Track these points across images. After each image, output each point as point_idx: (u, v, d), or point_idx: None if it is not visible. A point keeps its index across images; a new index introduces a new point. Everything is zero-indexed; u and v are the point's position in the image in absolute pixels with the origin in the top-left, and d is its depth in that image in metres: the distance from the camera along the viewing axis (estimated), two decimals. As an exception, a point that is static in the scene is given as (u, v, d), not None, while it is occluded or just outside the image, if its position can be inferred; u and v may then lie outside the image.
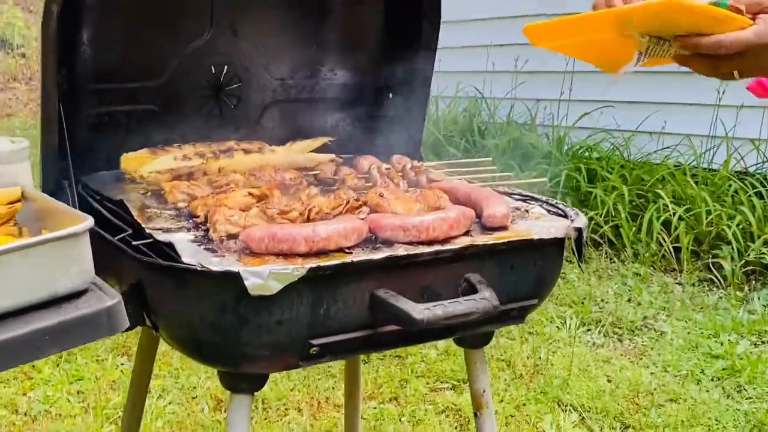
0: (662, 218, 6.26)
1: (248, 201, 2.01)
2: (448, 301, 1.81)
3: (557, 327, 5.24)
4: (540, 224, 2.08)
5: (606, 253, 6.46)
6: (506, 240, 1.93)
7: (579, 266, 2.74)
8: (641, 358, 4.93)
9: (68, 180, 2.22)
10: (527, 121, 7.90)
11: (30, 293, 1.63)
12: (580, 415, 4.24)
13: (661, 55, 1.57)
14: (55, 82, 2.18)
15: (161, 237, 1.88)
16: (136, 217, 2.01)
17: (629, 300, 5.68)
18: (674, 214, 6.22)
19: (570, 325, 5.25)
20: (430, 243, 1.93)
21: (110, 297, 1.66)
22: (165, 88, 2.54)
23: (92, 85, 2.42)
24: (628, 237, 6.40)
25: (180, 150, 2.34)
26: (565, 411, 4.27)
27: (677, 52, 1.55)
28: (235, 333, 1.75)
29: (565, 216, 2.14)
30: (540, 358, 4.83)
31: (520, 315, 2.05)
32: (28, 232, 1.97)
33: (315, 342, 1.78)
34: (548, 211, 2.19)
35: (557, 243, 2.01)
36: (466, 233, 2.00)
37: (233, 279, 1.67)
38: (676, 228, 6.22)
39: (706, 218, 6.12)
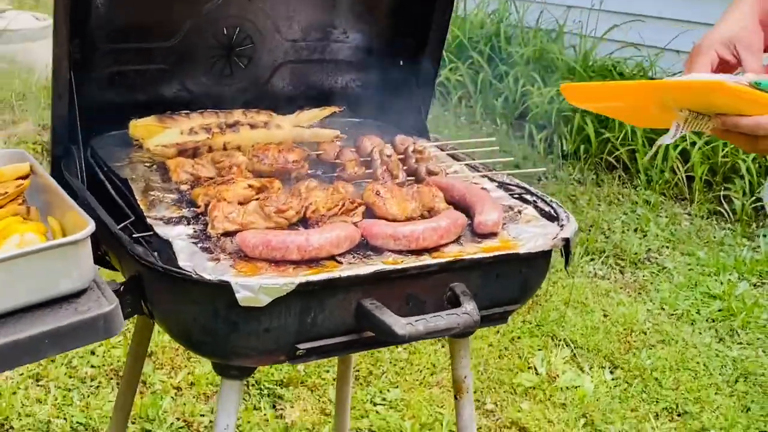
0: (679, 147, 6.25)
1: (248, 194, 2.08)
2: (430, 315, 1.89)
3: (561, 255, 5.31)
4: (530, 230, 2.14)
5: (619, 177, 6.49)
6: (492, 255, 1.99)
7: (565, 270, 2.80)
8: (640, 294, 5.04)
9: (77, 146, 2.29)
10: (555, 28, 7.79)
11: (34, 294, 1.73)
12: (572, 351, 4.38)
13: (700, 128, 1.55)
14: (66, 47, 2.21)
15: (161, 230, 1.96)
16: (139, 202, 2.08)
17: (636, 230, 5.74)
18: (693, 144, 6.21)
19: (574, 254, 5.33)
20: (419, 251, 1.99)
21: (108, 302, 1.76)
22: (178, 48, 2.56)
23: (105, 44, 2.45)
24: (642, 162, 6.41)
25: (188, 120, 2.39)
26: (558, 346, 4.42)
27: (716, 127, 1.54)
28: (225, 336, 1.85)
29: (557, 219, 2.20)
30: (540, 288, 4.93)
31: (503, 317, 2.13)
32: (36, 211, 2.06)
33: (301, 347, 1.88)
34: (541, 212, 2.24)
35: (543, 255, 2.07)
36: (457, 240, 2.06)
37: (225, 289, 1.76)
38: (691, 157, 6.22)
39: (722, 150, 6.10)
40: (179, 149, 2.33)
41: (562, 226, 2.17)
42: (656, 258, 5.47)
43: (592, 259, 5.39)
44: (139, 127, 2.39)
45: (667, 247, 5.60)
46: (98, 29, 2.41)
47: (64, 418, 3.46)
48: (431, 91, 2.74)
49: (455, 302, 1.97)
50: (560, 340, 4.48)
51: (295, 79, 2.76)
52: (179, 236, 1.96)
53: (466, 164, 2.48)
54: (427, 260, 1.95)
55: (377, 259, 1.96)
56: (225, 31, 2.61)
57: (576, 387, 4.08)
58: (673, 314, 4.86)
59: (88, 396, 3.61)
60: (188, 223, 2.03)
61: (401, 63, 2.76)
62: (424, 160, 2.38)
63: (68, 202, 1.90)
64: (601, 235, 5.67)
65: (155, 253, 1.89)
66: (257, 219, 2.01)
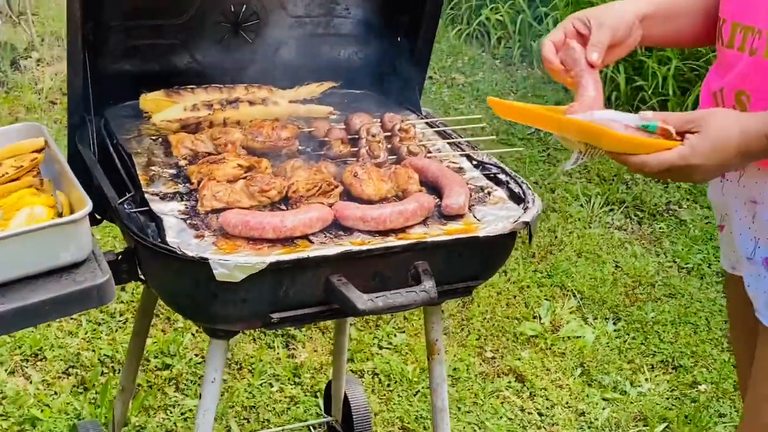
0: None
1: (236, 173, 2.30)
2: (391, 292, 2.10)
3: (581, 206, 5.47)
4: (495, 212, 2.33)
5: (648, 126, 6.55)
6: (451, 238, 2.19)
7: (528, 246, 2.98)
8: (654, 246, 5.18)
9: (89, 117, 2.52)
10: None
11: (37, 265, 1.99)
12: (578, 302, 4.57)
13: (600, 156, 1.76)
14: (80, 29, 2.43)
15: (156, 206, 2.20)
16: (140, 176, 2.32)
17: (658, 181, 5.84)
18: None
19: (594, 204, 5.47)
20: (386, 233, 2.21)
21: (102, 273, 2.01)
22: (188, 24, 2.76)
23: (119, 22, 2.67)
24: (673, 110, 6.46)
25: (193, 95, 2.60)
26: (566, 296, 4.61)
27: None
28: (206, 304, 2.09)
29: (524, 201, 2.38)
30: (555, 237, 5.11)
31: (466, 291, 2.34)
32: (49, 183, 2.31)
33: (275, 316, 2.11)
34: (510, 194, 2.43)
35: (503, 237, 2.26)
36: (424, 221, 2.26)
37: (205, 266, 1.99)
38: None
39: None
40: (182, 124, 2.55)
41: (526, 208, 2.36)
42: (675, 210, 5.59)
43: (611, 210, 5.52)
44: (149, 100, 2.62)
45: (688, 200, 5.70)
46: (111, 9, 2.63)
47: (93, 350, 3.78)
48: (425, 68, 2.91)
49: (417, 280, 2.18)
50: (568, 291, 4.67)
51: (299, 52, 2.95)
52: (171, 212, 2.20)
53: (450, 142, 2.66)
54: (390, 242, 2.16)
55: (346, 240, 2.17)
56: (232, 8, 2.80)
57: (577, 337, 4.29)
58: (683, 268, 5.01)
59: (116, 330, 3.93)
60: (181, 199, 2.27)
61: (399, 39, 2.93)
62: (408, 140, 2.57)
63: (72, 180, 2.14)
64: (623, 186, 5.79)
65: (149, 229, 2.14)
66: (243, 198, 2.24)
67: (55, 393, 3.52)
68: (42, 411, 3.35)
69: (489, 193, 2.44)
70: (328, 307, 2.18)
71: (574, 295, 4.63)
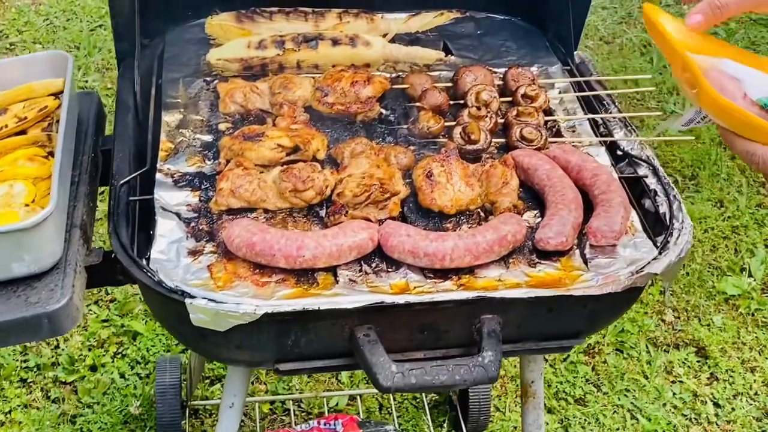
0: None
1: (274, 156, 1.76)
2: (433, 364, 1.55)
3: None
4: (615, 250, 1.66)
5: None
6: (531, 296, 1.56)
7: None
8: None
9: (136, 49, 2.05)
10: None
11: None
12: (807, 254, 3.69)
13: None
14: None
15: (162, 194, 1.73)
16: (163, 143, 1.84)
17: None
18: None
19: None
20: (446, 271, 1.61)
21: (62, 294, 1.58)
22: None
23: None
24: None
25: (270, 21, 2.06)
26: (792, 245, 3.74)
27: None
28: (194, 341, 1.64)
29: (666, 231, 1.69)
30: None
31: (561, 349, 1.73)
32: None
33: (282, 367, 1.62)
34: (648, 216, 1.73)
35: (614, 296, 1.60)
36: (505, 257, 1.64)
37: (182, 303, 1.52)
38: None
39: None
40: (244, 65, 2.01)
41: (664, 245, 1.66)
42: None
43: None
44: (215, 25, 2.10)
45: None
46: None
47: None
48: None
49: (480, 341, 1.59)
50: (799, 237, 3.79)
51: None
52: (178, 206, 1.72)
53: (591, 118, 1.95)
54: (441, 294, 1.57)
55: (386, 280, 1.61)
56: None
57: (795, 303, 3.47)
58: None
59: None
60: (199, 186, 1.77)
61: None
62: (529, 114, 1.89)
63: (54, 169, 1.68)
64: None
65: (137, 230, 1.67)
66: (270, 196, 1.71)
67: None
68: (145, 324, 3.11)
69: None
70: (355, 360, 1.64)
71: (806, 244, 3.74)
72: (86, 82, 4.30)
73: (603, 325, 1.77)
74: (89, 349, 3.06)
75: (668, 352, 3.25)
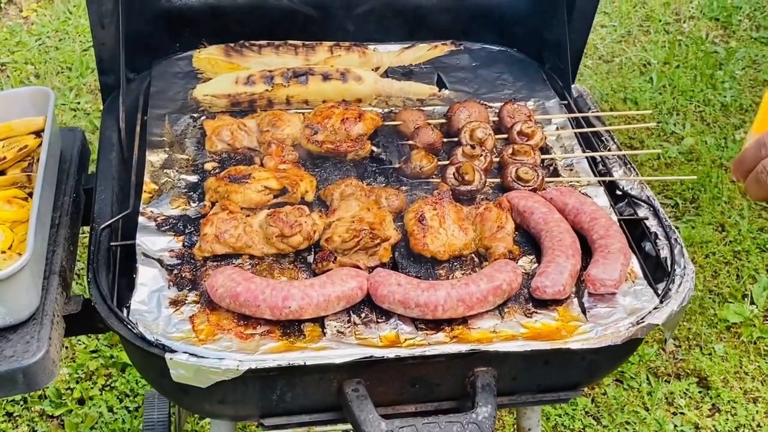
0: None
1: (261, 199, 1.70)
2: (425, 421, 1.48)
3: None
4: (615, 299, 1.60)
5: None
6: (527, 350, 1.50)
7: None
8: None
9: (130, 75, 1.99)
10: None
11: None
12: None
13: None
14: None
15: (144, 239, 1.66)
16: (146, 185, 1.78)
17: None
18: None
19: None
20: (438, 322, 1.55)
21: (38, 347, 1.51)
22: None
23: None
24: None
25: (257, 56, 1.99)
26: (795, 270, 3.68)
27: None
28: (176, 396, 1.57)
29: (667, 278, 1.63)
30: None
31: (560, 400, 1.66)
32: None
33: (267, 422, 1.56)
34: (648, 262, 1.67)
35: (613, 348, 1.54)
36: (500, 306, 1.58)
37: (162, 358, 1.46)
38: None
39: None
40: (232, 101, 1.95)
41: (666, 293, 1.60)
42: None
43: None
44: (202, 59, 2.03)
45: None
46: None
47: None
48: (590, 22, 2.08)
49: (474, 395, 1.53)
50: (801, 262, 3.72)
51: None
52: (160, 252, 1.65)
53: (589, 156, 1.89)
54: (432, 347, 1.51)
55: (375, 331, 1.54)
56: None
57: (800, 331, 3.41)
58: None
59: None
60: (183, 230, 1.70)
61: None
62: (525, 153, 1.83)
63: (35, 201, 1.62)
64: None
65: (116, 277, 1.61)
66: (256, 241, 1.64)
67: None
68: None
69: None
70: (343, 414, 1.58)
71: (809, 271, 3.67)
72: (78, 103, 4.24)
73: (602, 376, 1.70)
74: (77, 382, 2.99)
75: (669, 382, 3.19)
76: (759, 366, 3.26)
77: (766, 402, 3.14)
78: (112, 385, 2.99)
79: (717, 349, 3.32)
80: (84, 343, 3.11)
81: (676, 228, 3.57)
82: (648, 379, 3.19)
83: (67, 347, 3.10)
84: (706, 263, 3.66)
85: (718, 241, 3.75)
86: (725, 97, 4.56)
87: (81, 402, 2.94)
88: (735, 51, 4.93)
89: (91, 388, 2.97)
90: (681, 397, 3.14)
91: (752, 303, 3.51)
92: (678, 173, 4.05)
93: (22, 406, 2.89)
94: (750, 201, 3.96)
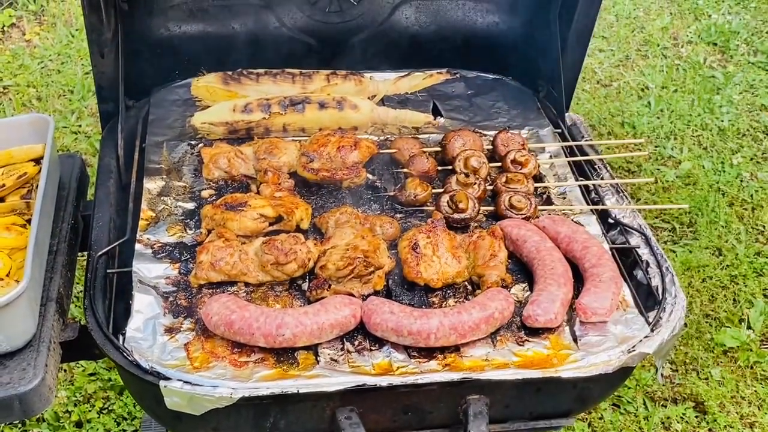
0: None
1: (257, 227, 1.71)
2: (416, 447, 1.49)
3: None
4: (605, 327, 1.61)
5: None
6: (518, 378, 1.51)
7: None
8: None
9: (129, 102, 2.01)
10: None
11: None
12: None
13: None
14: None
15: (141, 267, 1.68)
16: (144, 212, 1.80)
17: None
18: None
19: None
20: (431, 350, 1.57)
21: (34, 374, 1.53)
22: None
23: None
24: None
25: (255, 84, 2.01)
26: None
27: None
28: (171, 423, 1.59)
29: (658, 306, 1.64)
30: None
31: (552, 428, 1.67)
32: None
33: (262, 450, 1.57)
34: (641, 290, 1.69)
35: (605, 376, 1.55)
36: (493, 334, 1.59)
37: (157, 386, 1.47)
38: None
39: None
40: (229, 129, 1.97)
41: (656, 322, 1.61)
42: None
43: None
44: (201, 87, 2.06)
45: None
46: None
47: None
48: (583, 52, 2.11)
49: (466, 423, 1.54)
50: (799, 287, 3.73)
51: (422, 17, 2.24)
52: (157, 280, 1.67)
53: (582, 184, 1.91)
54: (425, 375, 1.52)
55: (368, 359, 1.56)
56: (330, -39, 2.13)
57: (795, 357, 3.41)
58: None
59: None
60: (179, 258, 1.72)
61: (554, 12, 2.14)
62: (518, 181, 1.85)
63: (29, 242, 1.63)
64: None
65: (114, 303, 1.63)
66: (252, 269, 1.66)
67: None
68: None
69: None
70: (341, 439, 1.59)
71: (805, 295, 3.68)
72: (80, 126, 4.27)
73: (594, 404, 1.72)
74: (75, 404, 3.00)
75: (666, 406, 3.19)
76: (756, 391, 3.26)
77: (762, 427, 3.14)
78: (110, 408, 3.00)
79: (714, 374, 3.32)
80: (82, 366, 3.12)
81: (673, 252, 3.58)
82: (645, 403, 3.19)
83: (65, 370, 3.11)
84: (703, 287, 3.67)
85: (715, 266, 3.76)
86: (723, 121, 4.58)
87: (79, 425, 2.94)
88: (733, 75, 4.96)
89: (89, 411, 2.97)
90: (678, 422, 3.14)
91: (749, 327, 3.51)
92: (675, 197, 4.06)
93: (20, 429, 2.90)
94: (747, 224, 3.97)
